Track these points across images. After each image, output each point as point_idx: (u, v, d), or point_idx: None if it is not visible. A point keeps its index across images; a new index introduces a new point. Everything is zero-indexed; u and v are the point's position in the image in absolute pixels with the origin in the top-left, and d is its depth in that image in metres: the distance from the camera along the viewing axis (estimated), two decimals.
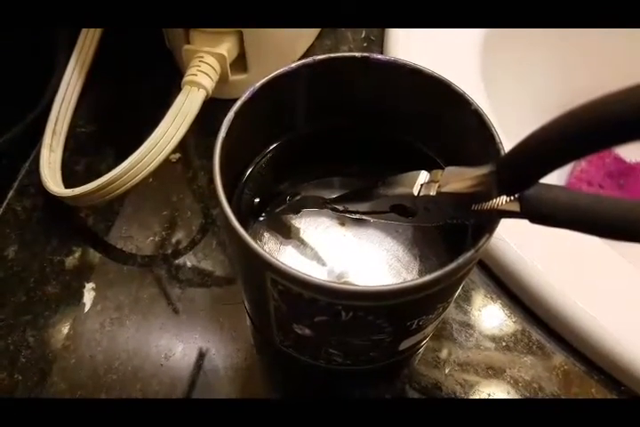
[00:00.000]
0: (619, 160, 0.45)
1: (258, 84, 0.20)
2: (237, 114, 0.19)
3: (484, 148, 0.19)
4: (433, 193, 0.16)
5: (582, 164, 0.46)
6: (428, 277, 0.15)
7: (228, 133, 0.19)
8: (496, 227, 0.16)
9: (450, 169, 0.16)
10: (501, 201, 0.15)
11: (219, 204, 0.17)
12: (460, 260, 0.16)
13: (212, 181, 0.17)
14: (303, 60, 0.20)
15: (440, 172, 0.17)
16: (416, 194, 0.17)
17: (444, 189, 0.16)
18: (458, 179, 0.16)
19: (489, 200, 0.15)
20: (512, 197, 0.15)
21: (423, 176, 0.17)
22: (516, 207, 0.15)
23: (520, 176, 0.14)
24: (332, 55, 0.21)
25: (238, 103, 0.19)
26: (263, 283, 0.17)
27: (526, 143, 0.13)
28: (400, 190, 0.18)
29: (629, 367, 0.23)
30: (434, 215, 0.17)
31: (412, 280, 0.15)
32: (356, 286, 0.15)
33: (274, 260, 0.15)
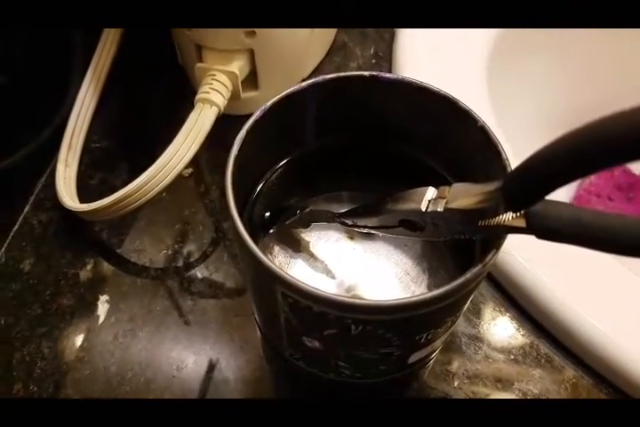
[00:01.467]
0: (628, 173, 0.45)
1: (269, 103, 0.20)
2: (249, 132, 0.20)
3: (490, 164, 0.19)
4: (440, 209, 0.17)
5: (591, 177, 0.46)
6: (436, 292, 0.15)
7: (240, 151, 0.19)
8: (503, 242, 0.17)
9: (457, 185, 0.17)
10: (508, 217, 0.15)
11: (230, 218, 0.17)
12: (468, 275, 0.16)
13: (223, 195, 0.18)
14: (312, 80, 0.21)
15: (447, 188, 0.17)
16: (424, 210, 0.17)
17: (451, 206, 0.16)
18: (465, 195, 0.16)
19: (496, 216, 0.16)
20: (518, 214, 0.15)
21: (431, 192, 0.18)
22: (522, 223, 0.15)
23: (526, 193, 0.14)
24: (341, 74, 0.21)
25: (250, 121, 0.20)
26: (274, 296, 0.18)
27: (532, 161, 0.13)
28: (408, 206, 0.18)
29: (638, 381, 0.23)
30: (441, 230, 0.18)
31: (421, 295, 0.15)
32: (366, 300, 0.16)
33: (284, 274, 0.16)
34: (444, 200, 0.17)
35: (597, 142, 0.12)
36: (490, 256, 0.16)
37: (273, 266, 0.16)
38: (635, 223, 0.13)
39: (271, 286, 0.17)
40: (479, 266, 0.16)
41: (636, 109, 0.11)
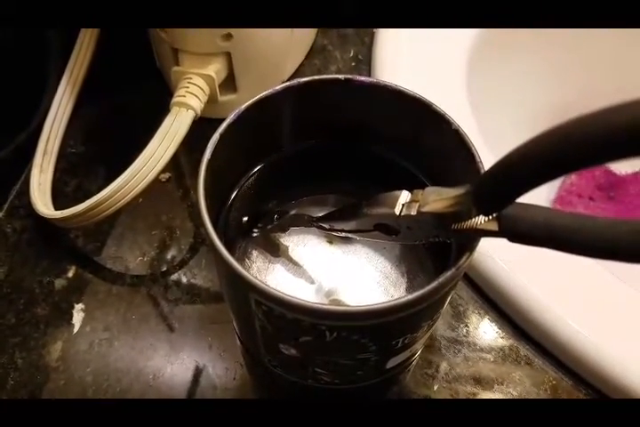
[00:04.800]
0: (609, 173, 0.46)
1: (243, 107, 0.20)
2: (222, 135, 0.20)
3: (466, 167, 0.19)
4: (414, 213, 0.17)
5: (572, 177, 0.46)
6: (409, 298, 0.15)
7: (213, 155, 0.19)
8: (476, 245, 0.17)
9: (430, 189, 0.17)
10: (480, 220, 0.15)
11: (202, 224, 0.17)
12: (441, 279, 0.16)
13: None
14: (287, 83, 0.21)
15: (421, 191, 0.17)
16: (398, 214, 0.17)
17: (424, 209, 0.16)
18: (437, 199, 0.16)
19: (468, 219, 0.16)
20: (490, 217, 0.15)
21: (404, 196, 0.17)
22: (494, 226, 0.15)
23: (497, 196, 0.14)
24: (317, 77, 0.21)
25: (223, 125, 0.20)
26: (248, 304, 0.17)
27: (502, 164, 0.13)
28: (382, 210, 0.18)
29: (617, 382, 0.23)
30: (416, 234, 0.18)
31: (393, 300, 0.15)
32: (339, 306, 0.15)
33: (256, 281, 0.16)
34: (417, 204, 0.17)
35: (567, 144, 0.12)
36: (463, 260, 0.16)
37: (245, 273, 0.16)
38: (607, 225, 0.13)
39: (245, 293, 0.17)
40: (452, 270, 0.16)
41: (606, 110, 0.11)
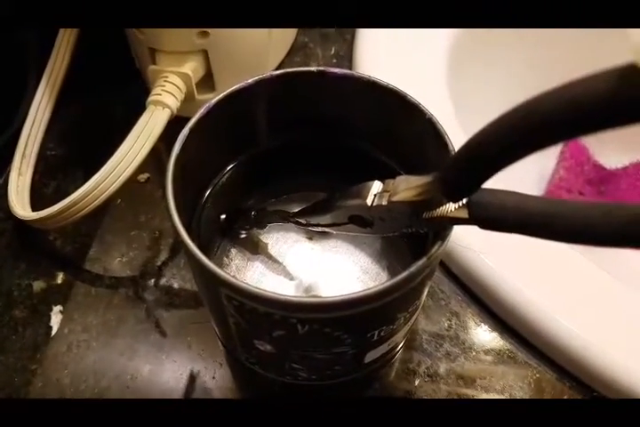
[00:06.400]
0: (598, 167, 0.45)
1: (214, 101, 0.20)
2: (193, 130, 0.19)
3: (440, 156, 0.19)
4: (385, 203, 0.16)
5: (561, 171, 0.46)
6: (379, 287, 0.15)
7: (182, 150, 0.19)
8: (448, 234, 0.16)
9: (400, 178, 0.16)
10: (450, 208, 0.15)
11: (170, 220, 0.17)
12: (413, 268, 0.15)
13: None
14: (259, 76, 0.21)
15: (392, 181, 0.17)
16: (369, 204, 0.17)
17: (394, 199, 0.16)
18: (406, 187, 0.16)
19: (438, 208, 0.15)
20: (460, 204, 0.15)
21: (376, 186, 0.17)
22: (464, 214, 0.15)
23: (463, 180, 0.14)
24: (289, 70, 0.21)
25: (193, 120, 0.19)
26: (219, 299, 0.17)
27: (466, 147, 0.13)
28: (354, 202, 0.18)
29: (601, 373, 0.22)
30: (389, 225, 0.17)
31: (362, 291, 0.15)
32: (307, 298, 0.15)
33: (225, 274, 0.15)
34: (389, 194, 0.16)
35: (529, 121, 0.11)
36: (435, 249, 0.16)
37: (214, 267, 0.16)
38: (580, 209, 0.13)
39: (215, 288, 0.17)
40: (424, 259, 0.16)
41: (565, 86, 0.11)
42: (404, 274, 0.15)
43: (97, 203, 0.24)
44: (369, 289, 0.15)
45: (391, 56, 0.34)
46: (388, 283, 0.15)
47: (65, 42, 0.32)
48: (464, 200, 0.15)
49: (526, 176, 0.42)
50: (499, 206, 0.14)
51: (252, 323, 0.17)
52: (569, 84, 0.11)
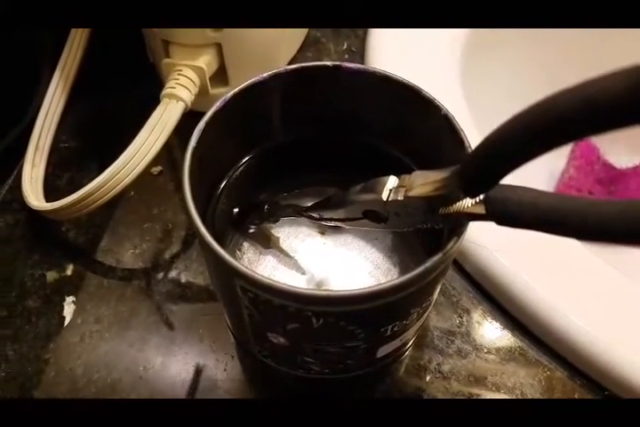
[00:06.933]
0: (608, 166, 0.45)
1: (229, 95, 0.20)
2: (209, 123, 0.19)
3: (455, 152, 0.19)
4: (401, 197, 0.16)
5: (571, 171, 0.45)
6: (394, 282, 0.15)
7: (198, 143, 0.19)
8: (465, 230, 0.16)
9: (416, 173, 0.16)
10: (467, 204, 0.15)
11: (187, 211, 0.17)
12: (428, 263, 0.15)
13: None
14: (274, 70, 0.21)
15: (408, 176, 0.17)
16: (385, 199, 0.17)
17: (410, 194, 0.16)
18: (423, 182, 0.16)
19: (455, 203, 0.15)
20: (477, 200, 0.15)
21: (392, 181, 0.17)
22: (481, 210, 0.15)
23: (481, 176, 0.14)
24: (304, 64, 0.21)
25: (209, 113, 0.19)
26: (234, 291, 0.17)
27: (485, 143, 0.13)
28: (370, 196, 0.18)
29: (612, 372, 0.22)
30: (404, 220, 0.17)
31: (378, 285, 0.15)
32: (323, 291, 0.15)
33: (240, 266, 0.15)
34: (405, 189, 0.16)
35: (548, 119, 0.11)
36: (450, 245, 0.16)
37: (229, 258, 0.16)
38: (596, 205, 0.13)
39: (230, 280, 0.17)
40: (439, 255, 0.16)
41: (584, 84, 0.11)
42: (420, 269, 0.15)
43: (111, 194, 0.24)
44: (385, 283, 0.15)
45: (404, 52, 0.34)
46: (404, 278, 0.15)
47: (79, 35, 0.32)
48: (481, 196, 0.15)
49: (536, 175, 0.42)
50: (516, 203, 0.14)
51: (266, 315, 0.17)
52: (585, 83, 0.11)
